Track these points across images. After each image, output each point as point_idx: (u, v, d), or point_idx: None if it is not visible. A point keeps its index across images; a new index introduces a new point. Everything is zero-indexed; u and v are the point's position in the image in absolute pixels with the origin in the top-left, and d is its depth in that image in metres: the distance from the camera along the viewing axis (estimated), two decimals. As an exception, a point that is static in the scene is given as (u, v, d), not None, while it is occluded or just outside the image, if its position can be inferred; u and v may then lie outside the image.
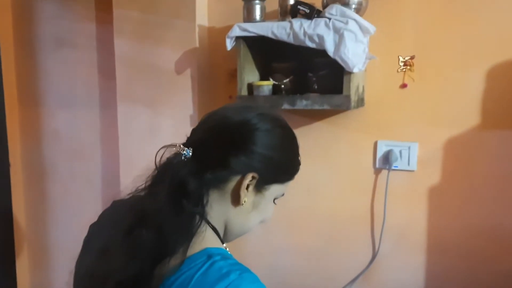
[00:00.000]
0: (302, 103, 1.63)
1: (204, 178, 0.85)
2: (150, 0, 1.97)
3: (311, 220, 1.93)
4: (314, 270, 1.95)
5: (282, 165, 0.93)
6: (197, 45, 1.93)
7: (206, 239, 0.83)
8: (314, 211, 1.92)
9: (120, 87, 2.10)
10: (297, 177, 1.88)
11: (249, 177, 0.86)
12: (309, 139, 1.89)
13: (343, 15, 1.55)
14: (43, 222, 2.56)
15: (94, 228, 1.00)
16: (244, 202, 0.88)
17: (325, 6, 1.63)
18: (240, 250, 1.89)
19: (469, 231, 1.70)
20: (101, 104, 2.35)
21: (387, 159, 1.76)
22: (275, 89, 1.76)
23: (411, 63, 1.71)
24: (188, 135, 0.93)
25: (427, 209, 1.75)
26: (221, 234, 0.90)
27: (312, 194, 1.92)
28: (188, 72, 1.95)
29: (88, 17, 2.29)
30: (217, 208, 0.88)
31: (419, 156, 1.74)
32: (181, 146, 0.87)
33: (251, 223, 0.93)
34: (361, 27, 1.58)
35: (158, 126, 2.04)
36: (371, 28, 1.62)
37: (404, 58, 1.72)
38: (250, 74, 1.79)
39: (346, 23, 1.53)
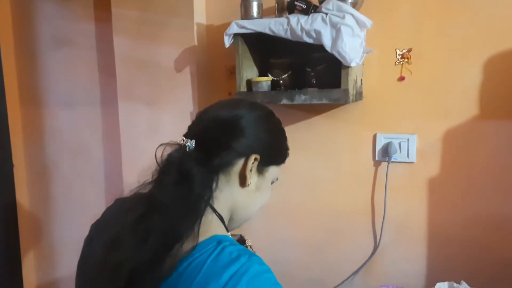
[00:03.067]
0: (300, 98, 1.64)
1: (211, 165, 0.89)
2: (148, -2, 1.99)
3: (312, 213, 1.95)
4: (315, 263, 1.97)
5: (277, 148, 1.03)
6: (196, 42, 1.94)
7: (213, 227, 0.88)
8: (315, 205, 1.94)
9: (121, 85, 2.11)
10: (297, 170, 1.90)
11: (252, 158, 0.92)
12: (309, 134, 1.90)
13: (340, 9, 1.56)
14: (47, 221, 2.59)
15: (97, 226, 1.02)
16: (250, 183, 0.93)
17: (321, 1, 1.63)
18: (242, 245, 1.91)
19: (469, 221, 1.71)
20: (102, 102, 2.37)
21: (386, 151, 1.78)
22: (274, 85, 1.78)
23: (409, 56, 1.72)
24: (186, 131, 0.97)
25: (427, 200, 1.76)
26: (226, 223, 0.93)
27: (313, 187, 1.93)
28: (187, 69, 1.96)
29: (87, 16, 2.30)
30: (226, 191, 0.93)
31: (418, 148, 1.75)
32: (184, 138, 0.91)
33: (254, 206, 1.00)
34: (357, 21, 1.59)
35: (158, 123, 2.05)
36: (368, 22, 1.62)
37: (402, 51, 1.73)
38: (248, 71, 1.81)
39: (343, 17, 1.54)
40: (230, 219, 0.96)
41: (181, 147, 0.90)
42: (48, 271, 2.63)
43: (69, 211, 2.52)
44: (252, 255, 0.81)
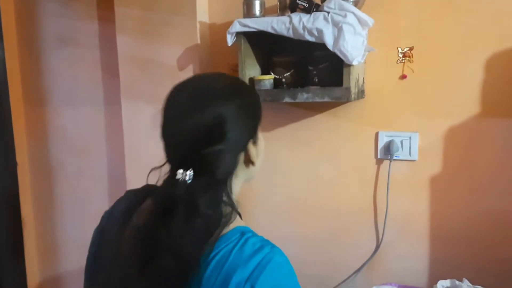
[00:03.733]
0: (303, 96, 1.65)
1: (216, 179, 0.88)
2: (150, -3, 2.00)
3: (315, 211, 1.95)
4: (318, 261, 1.97)
5: (259, 117, 0.99)
6: (199, 41, 1.95)
7: (234, 220, 0.90)
8: (317, 203, 1.94)
9: (124, 84, 2.12)
10: (300, 168, 1.90)
11: (250, 146, 0.94)
12: (311, 132, 1.91)
13: (342, 8, 1.56)
14: (51, 219, 2.60)
15: (108, 218, 1.02)
16: (256, 160, 0.96)
17: (323, 0, 1.64)
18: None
19: (471, 219, 1.72)
20: (105, 101, 2.38)
21: (388, 149, 1.78)
22: (276, 83, 1.78)
23: (410, 54, 1.73)
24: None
25: (429, 198, 1.77)
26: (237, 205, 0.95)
27: (315, 185, 1.94)
28: (190, 68, 1.97)
29: (90, 15, 2.31)
30: (237, 183, 0.96)
31: (420, 146, 1.76)
32: (182, 171, 0.87)
33: (258, 168, 1.00)
34: (359, 20, 1.59)
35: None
36: (370, 20, 1.63)
37: (403, 50, 1.74)
38: (251, 69, 1.81)
39: (345, 16, 1.55)
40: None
41: (181, 182, 0.86)
42: (52, 269, 2.64)
43: (72, 209, 2.53)
44: (273, 246, 0.86)
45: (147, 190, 0.96)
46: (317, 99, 1.63)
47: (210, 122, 0.86)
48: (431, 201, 1.77)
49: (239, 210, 0.93)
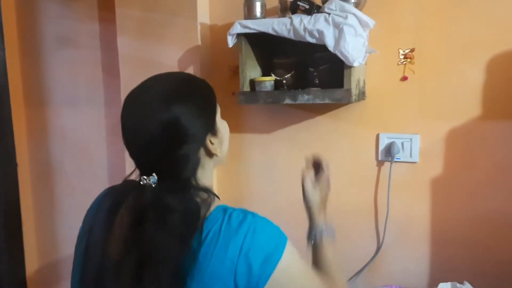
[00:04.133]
0: (303, 98, 1.65)
1: (182, 179, 0.94)
2: (151, -2, 1.99)
3: (315, 213, 1.95)
4: (319, 263, 1.96)
5: (214, 109, 1.02)
6: (199, 42, 1.95)
7: (213, 201, 0.96)
8: (318, 204, 1.94)
9: (124, 85, 2.11)
10: (300, 170, 1.89)
11: (208, 141, 0.98)
12: (311, 133, 1.91)
13: (343, 10, 1.56)
14: (51, 220, 2.59)
15: (96, 216, 1.09)
16: (218, 152, 1.00)
17: (324, 1, 1.64)
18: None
19: (472, 222, 1.71)
20: (105, 102, 2.37)
21: (389, 151, 1.78)
22: (277, 85, 1.78)
23: (411, 56, 1.72)
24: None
25: (430, 200, 1.76)
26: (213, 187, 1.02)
27: (316, 187, 1.93)
28: (191, 69, 1.97)
29: (91, 16, 2.31)
30: (206, 173, 1.01)
31: (421, 148, 1.75)
32: (145, 178, 0.92)
33: (226, 149, 1.07)
34: (360, 21, 1.59)
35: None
36: (371, 22, 1.62)
37: (404, 51, 1.73)
38: (252, 70, 1.81)
39: (346, 17, 1.54)
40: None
41: (145, 186, 0.91)
42: (52, 271, 2.64)
43: (72, 210, 2.53)
44: (253, 213, 0.93)
45: (127, 189, 0.98)
46: (318, 101, 1.63)
47: (164, 128, 0.90)
48: (432, 203, 1.76)
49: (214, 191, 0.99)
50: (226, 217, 0.91)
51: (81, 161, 2.47)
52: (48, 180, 2.57)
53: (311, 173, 1.28)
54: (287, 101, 1.67)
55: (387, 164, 1.80)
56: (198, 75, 1.92)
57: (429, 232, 1.78)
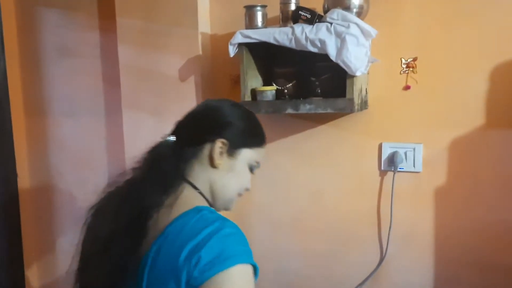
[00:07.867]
0: (305, 107, 1.64)
1: (184, 151, 1.08)
2: (152, 8, 1.99)
3: (318, 223, 1.93)
4: (321, 274, 1.95)
5: (246, 131, 1.12)
6: (200, 52, 1.94)
7: (195, 200, 1.03)
8: (321, 214, 1.93)
9: (125, 95, 2.11)
10: (302, 180, 1.89)
11: (218, 143, 1.07)
12: (314, 143, 1.90)
13: (345, 19, 1.55)
14: (51, 231, 2.58)
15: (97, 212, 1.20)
16: (219, 164, 1.07)
17: (326, 11, 1.63)
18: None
19: (476, 231, 1.70)
20: (106, 112, 2.37)
21: (392, 161, 1.77)
22: (278, 94, 1.77)
23: (414, 65, 1.72)
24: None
25: (434, 210, 1.75)
26: (210, 199, 1.09)
27: (318, 197, 1.92)
28: (192, 79, 1.96)
29: (91, 26, 2.31)
30: (202, 172, 1.08)
31: (424, 158, 1.74)
32: (166, 136, 1.12)
33: (231, 186, 1.12)
34: (362, 31, 1.58)
35: (163, 133, 2.03)
36: (373, 31, 1.62)
37: (407, 60, 1.73)
38: (253, 80, 1.80)
39: (348, 27, 1.54)
40: (214, 198, 1.10)
41: (164, 141, 1.11)
42: (51, 282, 2.62)
43: (73, 220, 2.51)
44: (226, 220, 0.95)
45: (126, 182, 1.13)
46: (320, 110, 1.62)
47: (202, 111, 1.17)
48: (435, 213, 1.75)
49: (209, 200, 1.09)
50: (197, 216, 0.95)
51: (81, 171, 2.46)
52: (48, 190, 2.55)
53: None
54: (289, 110, 1.66)
55: (390, 174, 1.79)
56: (199, 84, 1.94)
57: (433, 242, 1.77)
